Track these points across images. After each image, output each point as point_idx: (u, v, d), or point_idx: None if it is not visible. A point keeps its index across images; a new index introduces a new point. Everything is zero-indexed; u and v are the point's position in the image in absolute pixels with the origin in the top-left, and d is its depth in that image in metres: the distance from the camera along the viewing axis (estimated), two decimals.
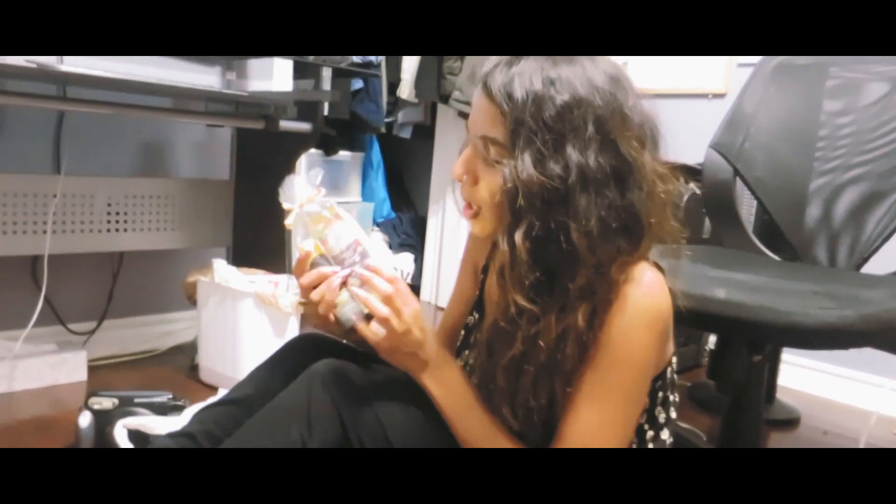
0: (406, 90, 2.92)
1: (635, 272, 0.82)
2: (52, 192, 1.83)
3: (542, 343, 0.83)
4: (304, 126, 1.84)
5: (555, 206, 0.79)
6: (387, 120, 3.04)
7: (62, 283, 2.00)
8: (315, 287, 0.93)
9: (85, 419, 1.41)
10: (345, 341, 1.07)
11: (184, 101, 1.97)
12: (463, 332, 1.09)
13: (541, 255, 0.81)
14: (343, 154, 3.08)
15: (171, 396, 1.47)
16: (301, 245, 1.00)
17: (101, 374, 1.96)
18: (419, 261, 3.18)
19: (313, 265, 0.96)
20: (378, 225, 3.28)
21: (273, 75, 2.00)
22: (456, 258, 2.95)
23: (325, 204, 0.95)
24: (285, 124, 1.81)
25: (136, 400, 1.44)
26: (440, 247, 3.04)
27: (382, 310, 0.86)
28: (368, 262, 0.92)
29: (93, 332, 2.07)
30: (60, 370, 1.87)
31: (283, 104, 1.68)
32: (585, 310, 0.82)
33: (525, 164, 0.79)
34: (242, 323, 1.81)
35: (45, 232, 1.80)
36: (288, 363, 1.04)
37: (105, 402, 1.43)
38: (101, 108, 1.61)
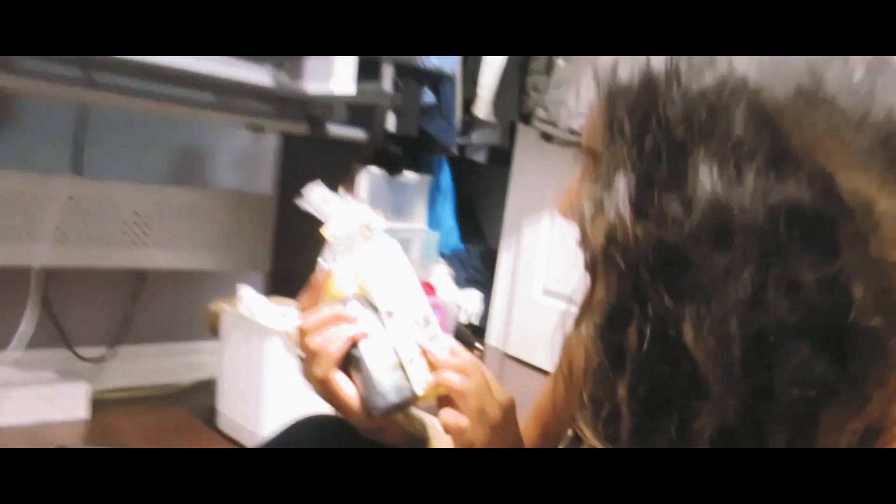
0: (483, 108, 2.60)
1: None
2: (65, 195, 1.57)
3: None
4: (358, 133, 1.52)
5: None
6: (459, 141, 2.73)
7: (72, 301, 1.74)
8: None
9: None
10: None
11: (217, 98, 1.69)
12: (571, 433, 0.73)
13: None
14: (409, 176, 2.77)
15: None
16: (325, 269, 0.69)
17: (106, 412, 1.67)
18: (487, 299, 2.82)
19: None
20: (444, 257, 2.95)
21: (331, 76, 1.71)
22: (529, 299, 2.59)
23: (382, 234, 0.70)
24: (335, 130, 1.50)
25: None
26: (512, 285, 2.68)
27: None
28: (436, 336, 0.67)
29: (103, 358, 1.80)
30: (56, 404, 1.59)
31: (331, 104, 1.38)
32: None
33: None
34: (268, 366, 1.50)
35: (34, 240, 1.53)
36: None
37: None
38: (121, 98, 1.34)
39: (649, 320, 0.46)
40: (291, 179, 1.88)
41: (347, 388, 0.65)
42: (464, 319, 2.80)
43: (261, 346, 1.51)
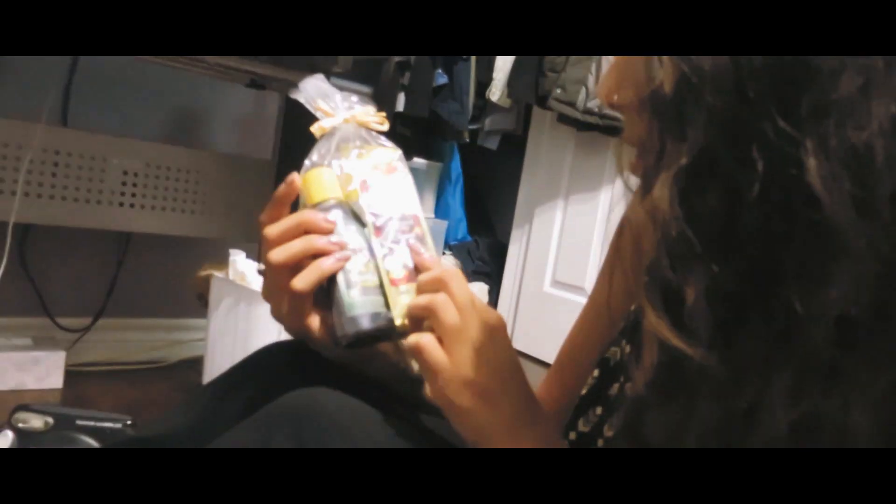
0: (497, 91, 2.50)
1: None
2: (46, 146, 1.46)
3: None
4: (364, 89, 1.41)
5: (765, 100, 0.34)
6: (471, 127, 2.62)
7: (54, 265, 1.62)
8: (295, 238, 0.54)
9: (5, 440, 0.99)
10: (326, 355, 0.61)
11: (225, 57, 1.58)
12: (597, 374, 0.62)
13: (722, 228, 0.36)
14: (418, 161, 2.67)
15: (128, 422, 1.04)
16: (310, 169, 0.59)
17: (82, 382, 1.56)
18: (494, 293, 2.70)
19: (325, 209, 0.57)
20: (450, 248, 2.84)
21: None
22: (539, 291, 2.48)
23: (388, 144, 0.62)
24: (338, 83, 1.38)
25: (79, 422, 1.01)
26: (520, 278, 2.56)
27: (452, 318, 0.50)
28: (424, 253, 0.57)
29: (87, 329, 1.68)
30: (30, 372, 1.47)
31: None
32: (873, 385, 0.35)
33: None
34: (257, 334, 1.38)
35: (13, 193, 1.42)
36: (247, 388, 0.60)
37: (35, 421, 1.00)
38: None
39: (755, 161, 0.34)
40: (293, 145, 1.77)
41: (312, 312, 0.54)
42: None
43: (249, 313, 1.39)
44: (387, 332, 0.55)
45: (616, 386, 0.61)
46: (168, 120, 1.76)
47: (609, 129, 2.11)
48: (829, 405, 0.35)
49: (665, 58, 0.38)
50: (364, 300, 0.54)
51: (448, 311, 0.49)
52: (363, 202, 0.57)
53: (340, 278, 0.54)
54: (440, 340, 0.50)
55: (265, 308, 1.43)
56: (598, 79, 2.07)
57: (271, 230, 0.54)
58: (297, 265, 0.54)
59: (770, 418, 0.36)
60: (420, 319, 0.52)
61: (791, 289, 0.34)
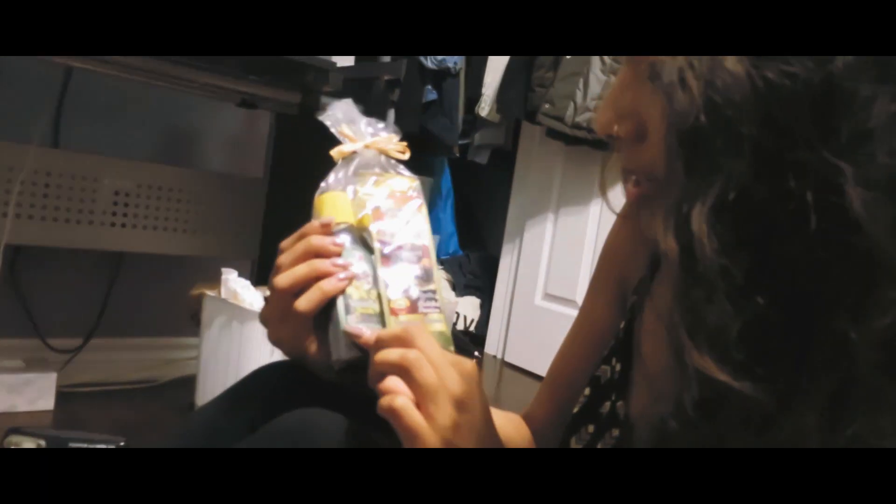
0: (486, 107, 2.52)
1: None
2: (38, 167, 1.46)
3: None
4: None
5: (800, 130, 0.35)
6: (461, 142, 2.64)
7: (45, 286, 1.62)
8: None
9: None
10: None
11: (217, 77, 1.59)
12: (588, 392, 0.62)
13: (763, 258, 0.37)
14: None
15: (122, 443, 1.04)
16: (325, 192, 0.59)
17: (74, 404, 1.55)
18: (486, 307, 2.71)
19: (335, 233, 0.57)
20: (442, 262, 2.84)
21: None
22: (530, 304, 2.49)
23: (406, 173, 0.62)
24: (330, 103, 1.40)
25: (72, 444, 1.01)
26: (511, 292, 2.57)
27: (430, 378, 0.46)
28: (432, 290, 0.57)
29: (78, 350, 1.68)
30: (21, 394, 1.47)
31: (326, 69, 1.28)
32: None
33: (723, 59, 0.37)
34: (250, 352, 1.38)
35: (5, 215, 1.42)
36: (248, 408, 0.60)
37: (27, 443, 1.00)
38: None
39: (793, 191, 0.34)
40: (284, 164, 1.78)
41: (311, 335, 0.55)
42: (461, 327, 2.69)
43: (242, 332, 1.39)
44: None
45: (607, 404, 0.61)
46: (159, 140, 1.77)
47: (598, 143, 2.13)
48: (869, 432, 0.36)
49: (679, 88, 0.38)
50: (361, 327, 0.53)
51: (424, 370, 0.46)
52: (374, 229, 0.56)
53: (340, 303, 0.54)
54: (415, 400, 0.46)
55: (258, 326, 1.42)
56: (586, 94, 2.09)
57: (284, 257, 0.55)
58: (302, 290, 0.54)
59: (809, 446, 0.36)
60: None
61: (840, 317, 0.35)
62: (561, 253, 2.39)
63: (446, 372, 0.46)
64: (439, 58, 2.37)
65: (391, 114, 2.32)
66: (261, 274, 1.76)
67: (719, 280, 0.37)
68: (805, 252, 0.35)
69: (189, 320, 1.56)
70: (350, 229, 0.57)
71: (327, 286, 0.54)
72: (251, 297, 1.43)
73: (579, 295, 2.28)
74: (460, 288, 2.79)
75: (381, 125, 0.61)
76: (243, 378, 0.63)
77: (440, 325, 0.55)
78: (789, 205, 0.35)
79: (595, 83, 2.08)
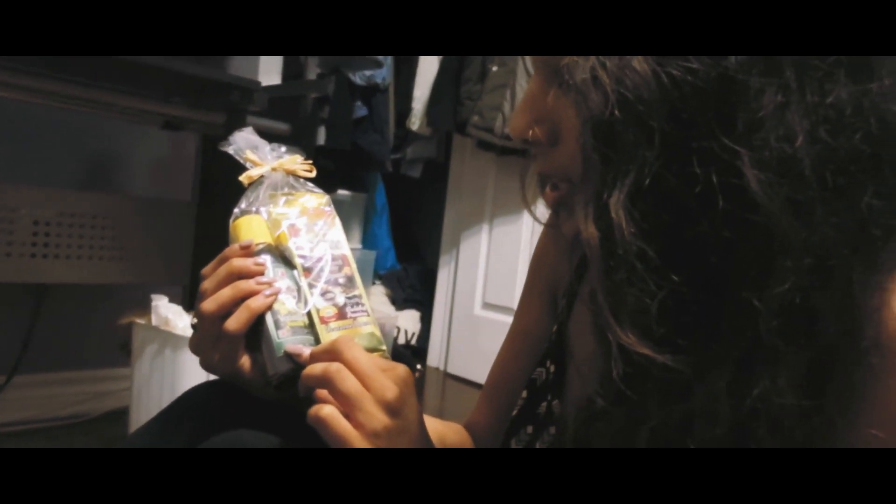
0: (417, 120, 2.54)
1: None
2: None
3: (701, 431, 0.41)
4: (282, 127, 1.42)
5: (702, 120, 0.39)
6: (393, 157, 2.65)
7: None
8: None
9: None
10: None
11: (139, 100, 1.56)
12: (525, 394, 0.64)
13: (675, 239, 0.40)
14: (342, 193, 2.67)
15: None
16: (239, 216, 0.60)
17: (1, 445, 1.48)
18: (426, 319, 2.72)
19: (255, 254, 0.58)
20: (380, 277, 2.84)
21: (257, 72, 1.61)
22: (469, 318, 2.50)
23: (316, 190, 0.63)
24: (256, 122, 1.39)
25: None
26: (451, 304, 2.59)
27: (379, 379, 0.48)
28: (357, 295, 0.58)
29: (1, 388, 1.60)
30: None
31: (250, 89, 1.27)
32: (797, 366, 0.39)
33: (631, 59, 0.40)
34: (184, 379, 1.35)
35: None
36: (181, 431, 0.59)
37: None
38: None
39: (698, 176, 0.38)
40: (213, 186, 1.74)
41: (244, 355, 0.55)
42: (403, 340, 2.69)
43: (175, 360, 1.36)
44: None
45: (544, 405, 0.63)
46: (81, 166, 1.72)
47: (527, 153, 2.17)
48: (770, 391, 0.39)
49: (592, 87, 0.40)
50: (293, 339, 0.54)
51: (346, 380, 0.47)
52: (292, 245, 0.58)
53: (269, 319, 0.55)
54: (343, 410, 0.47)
55: (188, 354, 1.40)
56: (513, 105, 2.13)
57: (207, 283, 0.55)
58: (229, 312, 0.54)
59: (721, 410, 0.40)
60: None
61: (745, 288, 0.38)
62: (497, 262, 2.42)
63: (373, 378, 0.47)
64: (367, 73, 2.38)
65: (321, 131, 2.32)
66: (193, 299, 1.72)
67: (637, 261, 0.39)
68: (712, 231, 0.39)
69: (119, 350, 1.51)
70: (269, 248, 0.58)
71: (254, 304, 0.54)
72: (184, 322, 1.40)
73: (517, 302, 2.30)
74: (400, 302, 2.79)
75: (283, 149, 0.62)
76: (175, 400, 0.62)
77: (369, 328, 0.57)
78: (696, 188, 0.38)
79: (522, 94, 2.12)
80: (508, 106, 2.15)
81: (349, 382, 0.47)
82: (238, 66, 1.70)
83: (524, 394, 0.64)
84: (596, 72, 0.40)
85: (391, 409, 0.47)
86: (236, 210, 0.60)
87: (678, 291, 0.40)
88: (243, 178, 0.60)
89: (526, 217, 2.34)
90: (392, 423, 0.47)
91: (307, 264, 0.57)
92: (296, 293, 0.57)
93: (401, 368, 0.50)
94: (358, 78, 2.37)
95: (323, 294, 0.57)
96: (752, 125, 0.38)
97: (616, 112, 0.39)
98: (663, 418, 0.42)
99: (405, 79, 2.59)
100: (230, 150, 0.61)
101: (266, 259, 0.57)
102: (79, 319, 1.74)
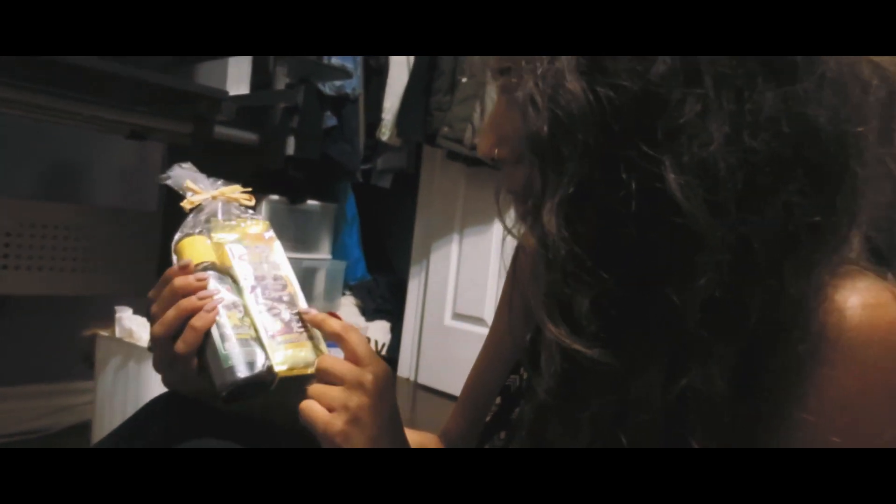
0: (387, 131, 2.55)
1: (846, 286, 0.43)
2: None
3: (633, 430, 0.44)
4: (250, 136, 1.41)
5: (627, 132, 0.42)
6: (364, 167, 2.64)
7: None
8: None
9: None
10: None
11: (104, 109, 1.54)
12: (499, 401, 0.66)
13: (604, 241, 0.43)
14: (312, 204, 2.65)
15: None
16: (182, 238, 0.60)
17: None
18: (397, 330, 2.71)
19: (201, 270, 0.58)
20: (351, 288, 2.82)
21: (226, 82, 1.60)
22: (440, 328, 2.50)
23: (258, 217, 0.64)
24: (224, 132, 1.38)
25: None
26: (421, 315, 2.59)
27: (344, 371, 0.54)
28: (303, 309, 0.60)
29: None
30: None
31: (218, 99, 1.26)
32: (728, 356, 0.42)
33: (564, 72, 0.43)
34: (148, 391, 1.32)
35: None
36: (143, 441, 0.59)
37: None
38: None
39: (624, 182, 0.41)
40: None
41: (201, 371, 0.55)
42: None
43: (139, 373, 1.34)
44: (267, 381, 0.55)
45: (517, 410, 0.64)
46: (45, 176, 1.69)
47: (496, 166, 2.18)
48: (700, 379, 0.41)
49: (529, 106, 0.43)
50: (240, 351, 0.54)
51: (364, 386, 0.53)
52: (234, 267, 0.59)
53: (215, 332, 0.55)
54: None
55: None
56: (483, 116, 2.14)
57: (154, 306, 0.55)
58: (179, 332, 0.54)
59: (653, 398, 0.42)
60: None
61: (670, 284, 0.41)
62: (468, 272, 2.43)
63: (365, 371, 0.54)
64: (337, 83, 2.37)
65: (291, 141, 2.31)
66: None
67: (570, 263, 0.42)
68: (638, 232, 0.41)
69: (82, 363, 1.48)
70: (213, 267, 0.58)
71: (198, 322, 0.54)
72: (148, 334, 1.37)
73: (487, 313, 2.31)
74: (370, 312, 2.77)
75: (220, 182, 0.63)
76: (138, 410, 0.62)
77: (315, 342, 0.59)
78: (622, 194, 0.41)
79: (491, 105, 2.13)
80: (478, 117, 2.17)
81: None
82: (206, 75, 1.69)
83: (498, 400, 0.66)
84: (533, 94, 0.43)
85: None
86: (178, 234, 0.60)
87: (608, 290, 0.42)
88: (185, 203, 0.61)
89: (496, 228, 2.35)
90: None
91: (250, 282, 0.58)
92: (242, 308, 0.57)
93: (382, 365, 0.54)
94: (327, 88, 2.37)
95: (269, 310, 0.58)
96: (672, 133, 0.40)
97: (550, 128, 0.42)
98: (601, 408, 0.44)
99: (375, 89, 2.59)
100: (168, 182, 0.62)
101: (210, 275, 0.57)
102: (39, 331, 1.70)
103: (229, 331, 0.55)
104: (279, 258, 0.62)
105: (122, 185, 1.79)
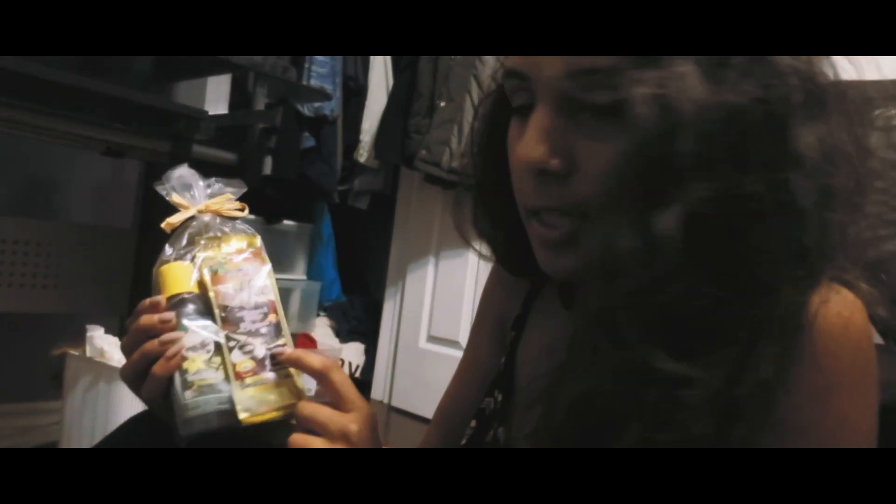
0: (365, 153, 2.56)
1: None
2: None
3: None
4: (228, 156, 1.41)
5: (746, 153, 0.41)
6: (341, 188, 2.65)
7: None
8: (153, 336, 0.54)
9: None
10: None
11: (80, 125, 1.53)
12: (475, 423, 0.66)
13: (710, 258, 0.42)
14: (288, 224, 2.65)
15: None
16: (163, 264, 0.58)
17: None
18: (371, 352, 2.70)
19: (174, 306, 0.56)
20: (325, 309, 2.81)
21: (204, 102, 1.60)
22: (414, 349, 2.50)
23: (247, 230, 0.61)
24: (202, 151, 1.38)
25: None
26: (396, 336, 2.58)
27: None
28: (281, 344, 0.56)
29: None
30: None
31: (196, 118, 1.26)
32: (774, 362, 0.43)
33: (688, 79, 0.41)
34: (119, 414, 1.30)
35: None
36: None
37: None
38: None
39: (752, 198, 0.41)
40: (154, 214, 1.71)
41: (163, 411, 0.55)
42: (347, 373, 2.66)
43: (110, 393, 1.32)
44: (232, 427, 0.53)
45: (491, 433, 0.64)
46: (15, 191, 1.66)
47: (467, 188, 2.19)
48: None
49: (645, 116, 0.41)
50: (199, 400, 0.52)
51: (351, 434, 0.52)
52: (213, 294, 0.56)
53: (176, 379, 0.53)
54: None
55: (123, 386, 1.37)
56: (461, 140, 2.16)
57: (124, 341, 0.55)
58: (144, 374, 0.53)
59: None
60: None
61: (774, 292, 0.43)
62: (443, 295, 2.43)
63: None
64: (316, 105, 2.38)
65: (268, 161, 2.31)
66: None
67: (683, 274, 0.41)
68: (762, 243, 0.42)
69: (50, 382, 1.46)
70: (191, 299, 0.56)
71: (158, 371, 0.53)
72: (119, 355, 1.35)
73: (462, 336, 2.32)
74: (344, 334, 2.76)
75: (217, 186, 0.61)
76: (116, 429, 0.61)
77: (290, 380, 0.56)
78: (748, 205, 0.41)
79: (469, 130, 2.16)
80: (456, 141, 2.19)
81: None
82: (185, 94, 1.69)
83: (473, 423, 0.66)
84: (648, 98, 0.41)
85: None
86: (162, 257, 0.59)
87: (716, 301, 0.41)
88: (164, 225, 0.59)
89: (472, 252, 2.36)
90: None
91: (228, 315, 0.55)
92: (211, 346, 0.54)
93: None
94: (306, 109, 2.37)
95: (241, 347, 0.55)
96: (795, 155, 0.41)
97: (669, 142, 0.40)
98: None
99: (354, 110, 2.60)
100: (162, 190, 0.61)
101: (186, 311, 0.55)
102: (6, 350, 1.67)
103: (191, 377, 0.53)
104: (263, 280, 0.58)
105: (97, 201, 1.77)
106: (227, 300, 0.56)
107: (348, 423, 0.51)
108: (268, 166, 2.39)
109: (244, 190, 0.63)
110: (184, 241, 0.59)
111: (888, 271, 0.54)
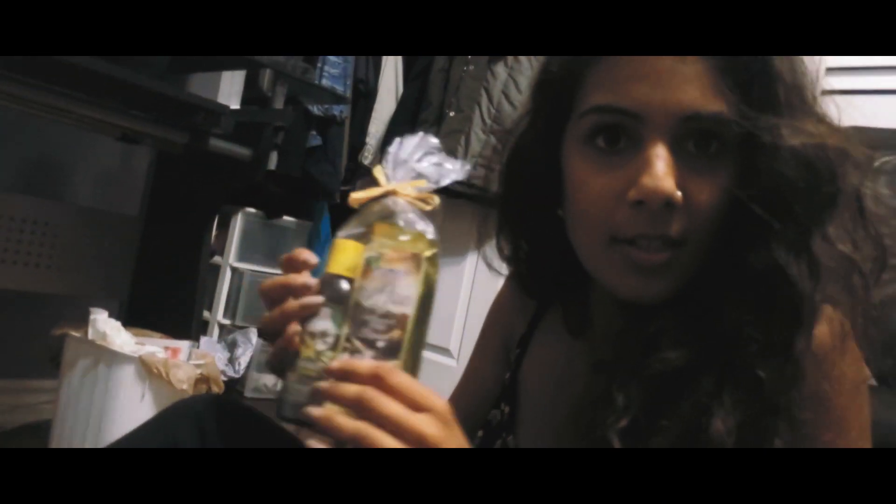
0: (370, 156, 2.57)
1: None
2: None
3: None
4: (243, 151, 1.43)
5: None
6: (343, 188, 2.66)
7: None
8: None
9: None
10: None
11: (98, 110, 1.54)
12: (482, 433, 0.70)
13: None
14: (287, 220, 2.67)
15: None
16: (337, 238, 0.54)
17: None
18: None
19: (326, 284, 0.52)
20: None
21: (218, 95, 1.61)
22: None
23: (427, 232, 0.54)
24: (217, 144, 1.39)
25: None
26: None
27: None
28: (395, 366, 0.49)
29: None
30: None
31: (217, 112, 1.28)
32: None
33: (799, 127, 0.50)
34: (117, 399, 1.32)
35: None
36: (176, 431, 0.61)
37: None
38: None
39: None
40: (161, 202, 1.72)
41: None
42: None
43: (109, 376, 1.33)
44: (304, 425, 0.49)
45: (499, 441, 0.68)
46: (22, 169, 1.67)
47: (474, 198, 2.21)
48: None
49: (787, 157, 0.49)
50: (297, 388, 0.51)
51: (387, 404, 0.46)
52: (358, 287, 0.51)
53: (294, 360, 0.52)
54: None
55: (128, 370, 1.37)
56: (467, 151, 2.18)
57: (264, 288, 0.54)
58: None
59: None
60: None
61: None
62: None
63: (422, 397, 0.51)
64: (325, 105, 2.40)
65: (273, 156, 2.33)
66: (129, 315, 1.69)
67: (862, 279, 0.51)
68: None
69: (48, 362, 1.46)
70: (335, 281, 0.52)
71: (288, 308, 0.52)
72: (121, 339, 1.37)
73: (454, 343, 2.33)
74: None
75: (464, 165, 0.56)
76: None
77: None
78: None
79: (476, 141, 2.18)
80: (462, 151, 2.21)
81: (392, 407, 0.46)
82: (199, 87, 1.70)
83: (480, 433, 0.69)
84: (781, 138, 0.49)
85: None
86: (341, 232, 0.54)
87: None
88: (351, 200, 0.55)
89: (468, 261, 2.38)
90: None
91: (355, 314, 0.50)
92: (330, 339, 0.51)
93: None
94: (316, 108, 2.39)
95: (352, 353, 0.50)
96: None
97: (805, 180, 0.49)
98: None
99: (362, 112, 2.62)
100: (369, 157, 0.57)
101: (334, 293, 0.51)
102: (8, 327, 1.67)
103: (302, 361, 0.51)
104: (409, 290, 0.52)
105: (106, 187, 1.78)
106: (363, 298, 0.51)
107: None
108: (272, 161, 2.41)
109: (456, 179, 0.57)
110: (359, 221, 0.54)
111: (888, 315, 0.57)
